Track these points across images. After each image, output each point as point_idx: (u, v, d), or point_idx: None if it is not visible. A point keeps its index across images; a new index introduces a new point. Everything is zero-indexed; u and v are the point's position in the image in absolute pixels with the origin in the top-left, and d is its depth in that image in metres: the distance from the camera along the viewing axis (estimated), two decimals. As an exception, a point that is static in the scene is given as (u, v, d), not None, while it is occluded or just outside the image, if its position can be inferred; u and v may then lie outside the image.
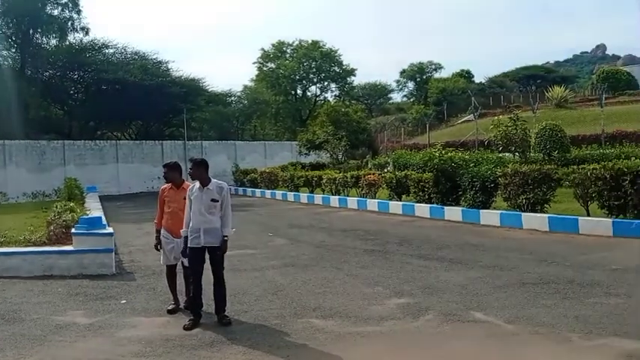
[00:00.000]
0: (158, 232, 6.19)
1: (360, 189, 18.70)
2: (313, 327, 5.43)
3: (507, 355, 4.49)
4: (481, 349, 4.64)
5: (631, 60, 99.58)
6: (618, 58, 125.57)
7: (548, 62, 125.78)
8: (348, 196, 19.57)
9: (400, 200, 16.52)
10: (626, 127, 23.67)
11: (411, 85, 66.35)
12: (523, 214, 11.80)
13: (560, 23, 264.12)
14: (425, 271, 7.81)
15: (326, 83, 56.31)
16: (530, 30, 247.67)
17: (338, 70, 55.62)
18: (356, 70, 57.07)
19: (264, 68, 55.58)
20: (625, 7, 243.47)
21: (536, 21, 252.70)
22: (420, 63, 65.97)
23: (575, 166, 11.74)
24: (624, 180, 10.04)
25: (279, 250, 10.33)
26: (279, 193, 24.51)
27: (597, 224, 10.25)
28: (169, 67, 37.89)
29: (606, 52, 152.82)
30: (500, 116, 19.04)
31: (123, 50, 36.12)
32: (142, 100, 32.67)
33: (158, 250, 6.25)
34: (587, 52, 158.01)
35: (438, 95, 51.65)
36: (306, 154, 31.12)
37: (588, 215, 10.85)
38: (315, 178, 22.22)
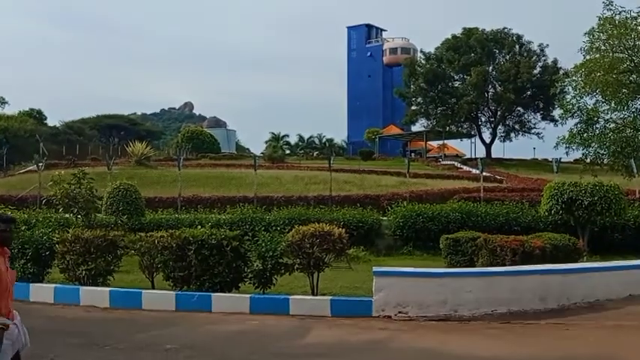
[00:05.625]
0: None
1: None
2: None
3: None
4: None
5: (216, 123, 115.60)
6: (204, 118, 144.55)
7: (135, 113, 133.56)
8: None
9: None
10: (202, 192, 27.02)
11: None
12: (82, 287, 11.75)
13: (148, 72, 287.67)
14: None
15: None
16: (115, 74, 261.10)
17: None
18: None
19: None
20: (209, 67, 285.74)
21: (121, 66, 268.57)
22: (-27, 94, 59.90)
23: (142, 234, 12.51)
24: (190, 249, 11.27)
25: None
26: None
27: (161, 298, 11.09)
28: None
29: (193, 111, 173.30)
30: (63, 171, 18.88)
31: None
32: None
33: None
34: (174, 109, 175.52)
35: None
36: None
37: (153, 288, 11.65)
38: None
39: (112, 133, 73.05)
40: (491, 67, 63.96)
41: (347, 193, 26.62)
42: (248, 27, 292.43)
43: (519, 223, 18.39)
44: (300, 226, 11.28)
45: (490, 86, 64.27)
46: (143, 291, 11.34)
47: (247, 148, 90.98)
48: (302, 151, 75.07)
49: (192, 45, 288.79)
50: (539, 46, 63.16)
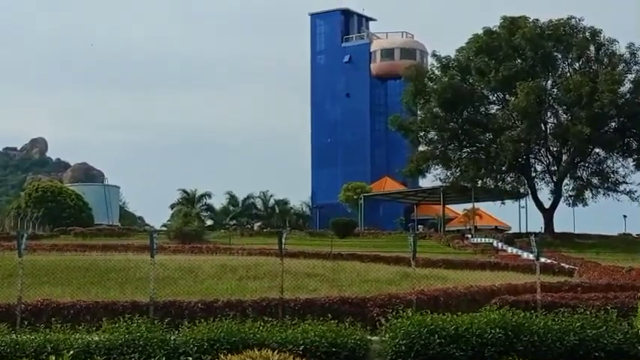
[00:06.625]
0: None
1: None
2: None
3: None
4: None
5: (86, 174, 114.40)
6: (67, 166, 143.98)
7: None
8: None
9: None
10: (61, 295, 26.59)
11: None
12: None
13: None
14: None
15: None
16: None
17: None
18: None
19: None
20: (80, 82, 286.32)
21: None
22: None
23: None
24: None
25: None
26: None
27: None
28: None
29: (47, 155, 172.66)
30: None
31: None
32: None
33: None
34: (15, 150, 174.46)
35: None
36: None
37: None
38: None
39: None
40: (550, 82, 65.76)
41: (311, 295, 26.50)
42: (153, 21, 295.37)
43: (603, 346, 18.51)
44: (230, 356, 11.21)
45: (549, 113, 65.81)
46: None
47: (140, 217, 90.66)
48: (234, 222, 74.90)
49: (58, 47, 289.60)
50: (629, 47, 64.95)
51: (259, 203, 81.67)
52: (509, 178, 67.53)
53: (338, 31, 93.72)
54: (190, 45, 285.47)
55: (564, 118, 64.38)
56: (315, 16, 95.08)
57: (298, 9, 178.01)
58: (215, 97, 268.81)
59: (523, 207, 69.46)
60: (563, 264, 39.40)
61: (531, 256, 32.82)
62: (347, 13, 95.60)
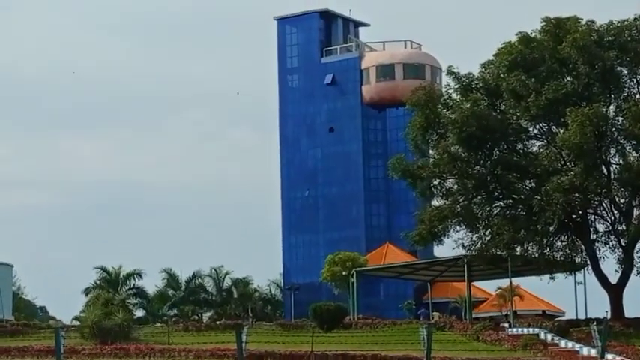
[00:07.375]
0: None
1: None
2: None
3: None
4: None
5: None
6: None
7: None
8: None
9: None
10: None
11: None
12: None
13: None
14: None
15: None
16: None
17: None
18: None
19: None
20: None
21: None
22: None
23: None
24: None
25: None
26: None
27: None
28: None
29: None
30: None
31: None
32: None
33: None
34: None
35: None
36: None
37: None
38: None
39: None
40: (612, 107, 66.30)
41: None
42: (59, 30, 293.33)
43: None
44: None
45: (613, 151, 66.17)
46: None
47: (42, 308, 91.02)
48: (175, 313, 75.65)
49: None
50: None
51: (210, 284, 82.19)
52: (559, 243, 67.58)
53: (316, 42, 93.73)
54: (102, 64, 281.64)
55: (634, 158, 64.62)
56: (283, 22, 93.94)
57: (259, 11, 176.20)
58: (142, 137, 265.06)
59: (580, 283, 70.18)
60: (639, 363, 40.58)
61: (593, 352, 34.09)
62: (328, 16, 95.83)
